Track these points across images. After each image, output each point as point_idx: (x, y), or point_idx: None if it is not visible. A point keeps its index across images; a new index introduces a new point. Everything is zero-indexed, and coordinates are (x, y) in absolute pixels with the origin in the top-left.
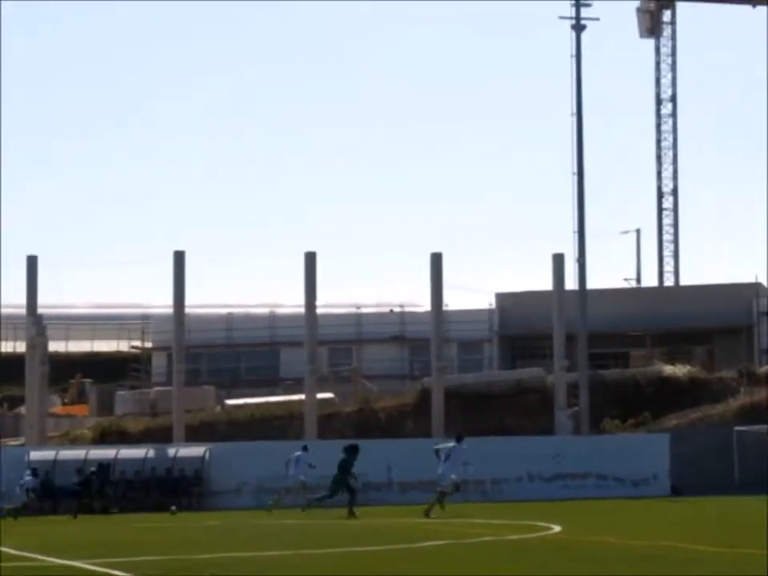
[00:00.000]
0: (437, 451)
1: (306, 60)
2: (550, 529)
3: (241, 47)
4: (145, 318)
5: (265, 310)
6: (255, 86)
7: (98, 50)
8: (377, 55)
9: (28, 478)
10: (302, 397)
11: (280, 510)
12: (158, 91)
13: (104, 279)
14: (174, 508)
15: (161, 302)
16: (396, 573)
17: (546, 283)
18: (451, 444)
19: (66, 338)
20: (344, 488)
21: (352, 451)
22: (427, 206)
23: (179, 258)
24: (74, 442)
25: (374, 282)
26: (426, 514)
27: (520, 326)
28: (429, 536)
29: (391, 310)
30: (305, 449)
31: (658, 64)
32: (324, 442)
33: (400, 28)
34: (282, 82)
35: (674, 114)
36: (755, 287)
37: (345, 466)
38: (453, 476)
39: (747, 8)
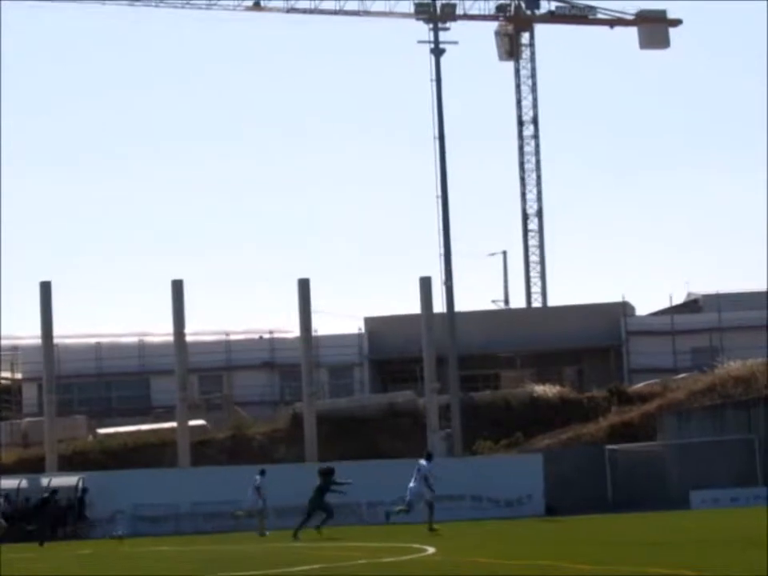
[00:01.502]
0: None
1: (161, 91)
2: (424, 551)
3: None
4: (14, 349)
5: (134, 339)
6: (114, 116)
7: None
8: (234, 84)
9: None
10: (174, 424)
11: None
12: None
13: None
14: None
15: (29, 332)
16: None
17: (414, 307)
18: (422, 462)
19: None
20: (321, 509)
21: (328, 474)
22: (293, 231)
23: (45, 288)
24: None
25: (243, 309)
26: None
27: (390, 349)
28: (304, 560)
29: (260, 337)
30: (262, 473)
31: (518, 86)
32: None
33: (260, 54)
34: (140, 112)
35: (536, 136)
36: (622, 306)
37: (321, 489)
38: (424, 495)
39: (605, 29)
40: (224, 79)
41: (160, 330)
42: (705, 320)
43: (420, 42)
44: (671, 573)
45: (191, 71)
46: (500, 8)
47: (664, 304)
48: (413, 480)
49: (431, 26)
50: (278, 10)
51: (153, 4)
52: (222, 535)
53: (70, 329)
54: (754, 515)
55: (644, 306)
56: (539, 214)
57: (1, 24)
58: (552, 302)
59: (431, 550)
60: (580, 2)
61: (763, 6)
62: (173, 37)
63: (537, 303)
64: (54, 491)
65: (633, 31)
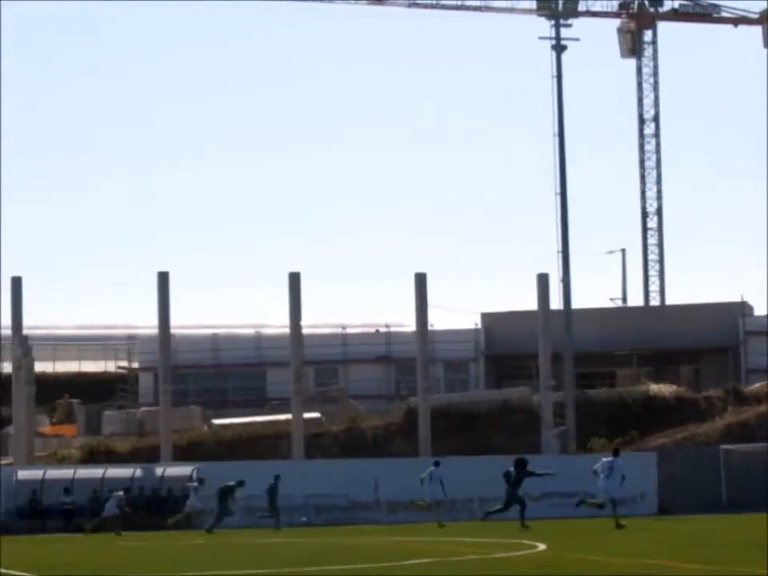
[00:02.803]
0: (595, 471)
1: (277, 85)
2: (535, 547)
3: (217, 69)
4: (131, 338)
5: (250, 331)
6: (232, 109)
7: (70, 69)
8: (355, 77)
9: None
10: (289, 416)
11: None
12: (135, 112)
13: (89, 300)
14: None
15: (146, 322)
16: None
17: (531, 303)
18: (609, 458)
19: (53, 359)
20: (516, 501)
21: (522, 465)
22: (412, 226)
23: (163, 278)
24: (62, 461)
25: (360, 302)
26: (618, 526)
27: (506, 345)
28: (415, 554)
29: (377, 330)
30: (437, 464)
31: (639, 84)
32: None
33: (377, 48)
34: (257, 106)
35: (657, 135)
36: (741, 306)
37: (516, 480)
38: (612, 492)
39: (729, 27)
40: (342, 71)
41: (277, 322)
42: None
43: (541, 38)
44: None
45: (311, 64)
46: (623, 5)
47: None
48: (603, 477)
49: (553, 22)
50: (400, 4)
51: None
52: (335, 528)
53: (188, 319)
54: None
55: (763, 306)
56: (659, 212)
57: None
58: (670, 300)
59: (542, 546)
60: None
61: None
62: (295, 29)
63: (655, 302)
64: (277, 476)
65: (757, 30)
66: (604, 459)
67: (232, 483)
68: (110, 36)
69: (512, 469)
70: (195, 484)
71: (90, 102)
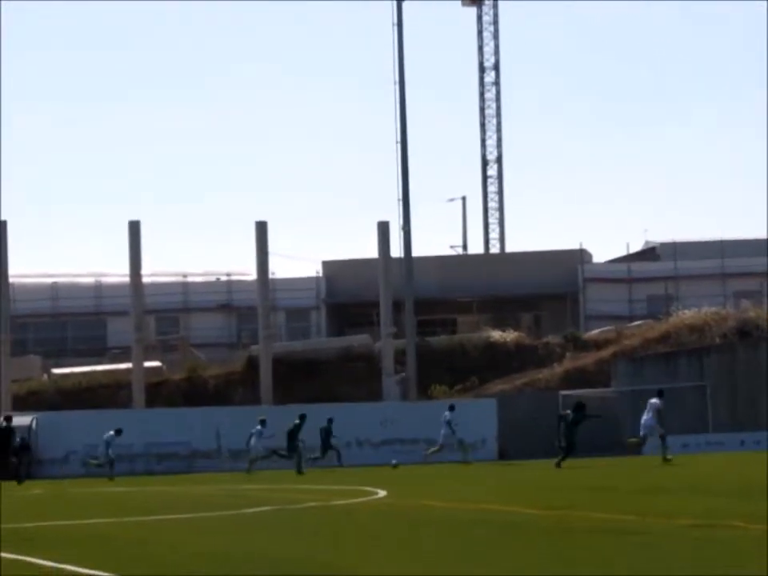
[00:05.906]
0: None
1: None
2: (375, 494)
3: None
4: None
5: (90, 280)
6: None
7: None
8: (190, 31)
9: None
10: (130, 365)
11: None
12: None
13: None
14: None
15: None
16: (218, 539)
17: (372, 251)
18: (654, 399)
19: None
20: (572, 441)
21: (581, 408)
22: (252, 174)
23: (1, 228)
24: None
25: (201, 250)
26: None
27: (347, 293)
28: (256, 503)
29: (218, 279)
30: (452, 408)
31: (480, 32)
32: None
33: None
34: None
35: (497, 82)
36: (580, 254)
37: (573, 423)
38: (652, 428)
39: None
40: (174, 32)
41: (117, 271)
42: (661, 268)
43: None
44: (616, 518)
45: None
46: None
47: (621, 252)
48: (645, 413)
49: None
50: None
51: None
52: (176, 476)
53: (26, 268)
54: (702, 462)
55: (602, 254)
56: (499, 160)
57: None
58: (510, 248)
59: (382, 493)
60: None
61: None
62: None
63: (495, 249)
64: (330, 419)
65: None
66: (650, 400)
67: (297, 422)
68: None
69: (568, 411)
70: (258, 428)
71: None
